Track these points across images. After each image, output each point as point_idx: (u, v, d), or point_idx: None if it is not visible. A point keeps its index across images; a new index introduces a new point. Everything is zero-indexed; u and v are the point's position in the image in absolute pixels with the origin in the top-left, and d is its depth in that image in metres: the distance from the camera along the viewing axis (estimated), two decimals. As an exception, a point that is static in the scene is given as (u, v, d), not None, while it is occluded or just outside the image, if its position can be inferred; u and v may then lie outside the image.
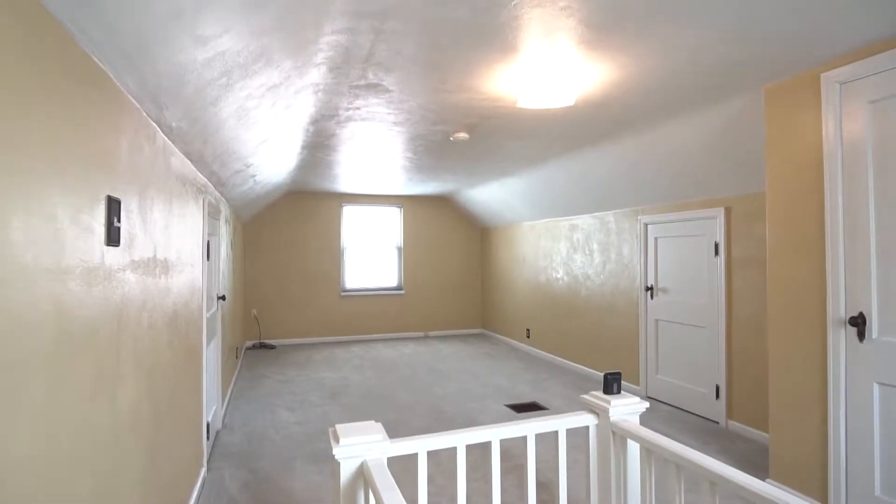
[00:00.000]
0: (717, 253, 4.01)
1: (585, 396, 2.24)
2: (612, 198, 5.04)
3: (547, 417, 2.13)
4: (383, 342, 7.69)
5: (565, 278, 6.08)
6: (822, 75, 2.54)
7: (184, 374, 2.44)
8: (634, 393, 4.84)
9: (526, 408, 4.42)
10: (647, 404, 2.18)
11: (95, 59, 1.28)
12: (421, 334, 8.21)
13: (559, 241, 6.21)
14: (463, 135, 3.94)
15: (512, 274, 7.45)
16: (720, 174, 3.78)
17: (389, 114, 3.39)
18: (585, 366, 5.63)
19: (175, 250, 2.23)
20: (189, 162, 2.55)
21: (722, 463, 1.62)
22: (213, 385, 3.62)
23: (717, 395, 4.00)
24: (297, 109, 3.01)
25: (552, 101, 2.85)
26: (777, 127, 2.82)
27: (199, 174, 2.91)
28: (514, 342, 7.35)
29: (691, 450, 1.77)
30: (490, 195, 6.89)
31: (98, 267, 1.27)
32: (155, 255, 1.86)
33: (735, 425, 3.84)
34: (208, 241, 3.18)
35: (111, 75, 1.39)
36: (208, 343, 3.29)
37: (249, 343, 7.31)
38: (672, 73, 2.67)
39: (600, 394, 2.22)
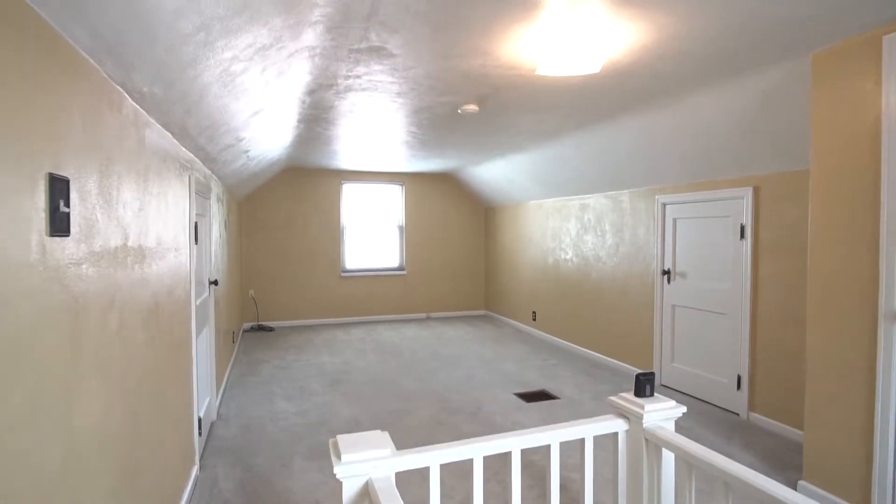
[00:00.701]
0: (742, 236, 3.75)
1: (614, 399, 2.02)
2: (627, 176, 4.76)
3: (572, 423, 1.91)
4: (385, 324, 7.49)
5: (575, 260, 5.83)
6: (885, 37, 2.24)
7: (169, 371, 2.21)
8: (648, 381, 4.64)
9: (535, 396, 4.23)
10: (683, 408, 1.95)
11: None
12: (423, 316, 8.01)
13: (569, 221, 5.94)
14: (472, 107, 3.64)
15: (517, 254, 7.20)
16: (750, 151, 3.49)
17: (393, 83, 3.08)
18: (595, 351, 5.43)
19: (154, 235, 1.97)
20: (169, 135, 2.27)
21: (783, 486, 1.40)
22: (205, 376, 3.41)
23: (739, 386, 3.79)
24: (291, 77, 2.71)
25: (576, 68, 2.55)
26: (825, 97, 2.53)
27: (184, 149, 2.63)
28: (519, 325, 7.15)
29: (743, 467, 1.54)
30: (496, 173, 6.59)
31: (37, 263, 1.02)
32: (126, 243, 1.61)
33: (757, 418, 3.64)
34: (196, 223, 2.92)
35: (51, 23, 1.11)
36: (199, 333, 3.06)
37: (247, 325, 7.11)
38: (713, 37, 2.36)
39: (631, 396, 2.00)
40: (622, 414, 2.00)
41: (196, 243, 2.92)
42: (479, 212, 8.32)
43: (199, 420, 2.95)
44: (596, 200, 5.45)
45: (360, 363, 5.28)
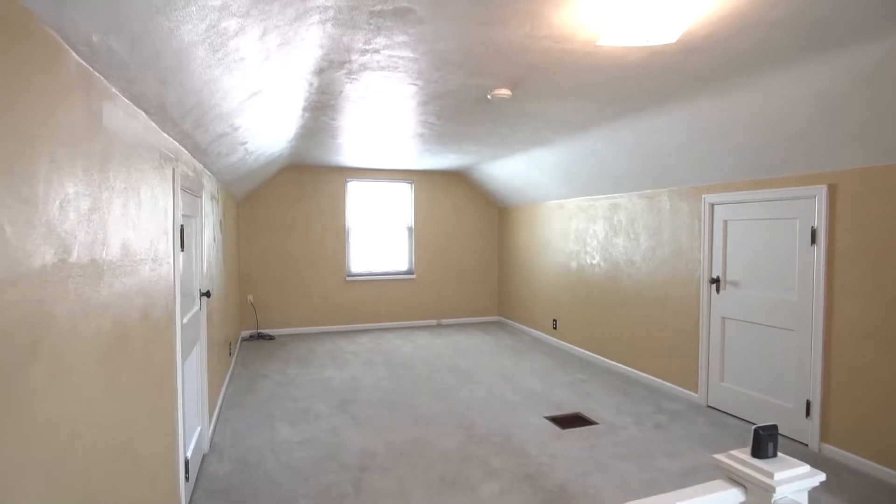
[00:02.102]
0: (813, 241, 3.27)
1: (725, 460, 1.55)
2: (668, 173, 4.27)
3: (669, 497, 1.43)
4: (393, 331, 7.01)
5: (603, 265, 5.35)
6: None
7: (143, 418, 1.73)
8: (690, 401, 4.17)
9: (570, 421, 3.74)
10: (822, 475, 1.47)
11: None
12: (434, 322, 7.53)
13: (596, 223, 5.45)
14: (504, 92, 3.15)
15: (535, 258, 6.72)
16: (828, 142, 3.01)
17: (417, 60, 2.60)
18: (629, 366, 4.95)
19: (117, 243, 1.49)
20: (143, 114, 1.78)
21: None
22: (195, 404, 2.92)
23: (808, 413, 3.31)
24: (297, 49, 2.23)
25: (650, 37, 2.07)
26: (958, 73, 2.05)
27: (165, 135, 2.15)
28: (537, 333, 6.67)
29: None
30: (514, 170, 6.10)
31: None
32: (66, 258, 1.13)
33: (832, 451, 3.16)
34: (182, 225, 2.43)
35: None
36: (186, 357, 2.58)
37: (246, 333, 6.62)
38: (811, 1, 1.89)
39: (746, 456, 1.52)
40: (735, 480, 1.52)
41: (182, 250, 2.44)
42: (493, 212, 7.83)
43: (187, 462, 2.47)
44: (628, 200, 4.96)
45: (369, 378, 4.80)
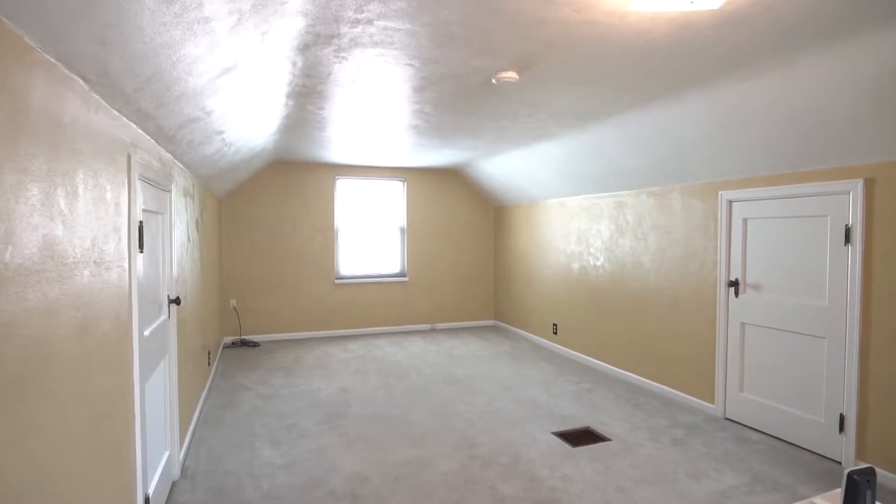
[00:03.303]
0: (847, 240, 2.99)
1: (808, 512, 1.25)
2: (680, 168, 3.99)
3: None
4: (385, 336, 6.66)
5: (607, 266, 5.06)
6: None
7: (79, 455, 1.38)
8: (707, 413, 3.89)
9: (580, 437, 3.44)
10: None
11: None
12: (427, 327, 7.19)
13: (600, 222, 5.16)
14: (511, 75, 2.84)
15: (533, 259, 6.42)
16: (865, 131, 2.73)
17: (415, 33, 2.28)
18: (637, 374, 4.66)
19: (35, 241, 1.15)
20: (79, 80, 1.44)
21: None
22: (164, 424, 2.57)
23: (842, 428, 3.03)
24: (275, 14, 1.89)
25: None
26: None
27: (115, 112, 1.80)
28: (535, 338, 6.37)
29: None
30: (513, 166, 5.79)
31: None
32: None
33: (870, 470, 2.88)
34: (141, 222, 2.08)
35: None
36: (150, 372, 2.23)
37: (228, 340, 6.24)
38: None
39: (836, 508, 1.23)
40: (823, 538, 1.22)
41: (141, 251, 2.09)
42: (489, 211, 7.52)
43: (147, 499, 2.12)
44: (636, 198, 4.68)
45: (360, 389, 4.46)
